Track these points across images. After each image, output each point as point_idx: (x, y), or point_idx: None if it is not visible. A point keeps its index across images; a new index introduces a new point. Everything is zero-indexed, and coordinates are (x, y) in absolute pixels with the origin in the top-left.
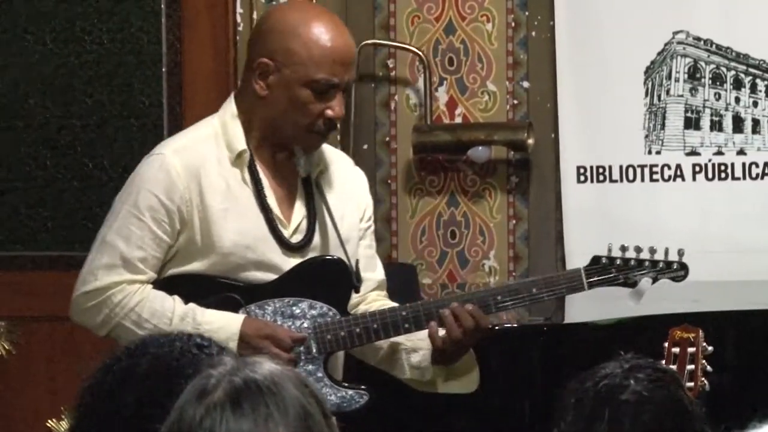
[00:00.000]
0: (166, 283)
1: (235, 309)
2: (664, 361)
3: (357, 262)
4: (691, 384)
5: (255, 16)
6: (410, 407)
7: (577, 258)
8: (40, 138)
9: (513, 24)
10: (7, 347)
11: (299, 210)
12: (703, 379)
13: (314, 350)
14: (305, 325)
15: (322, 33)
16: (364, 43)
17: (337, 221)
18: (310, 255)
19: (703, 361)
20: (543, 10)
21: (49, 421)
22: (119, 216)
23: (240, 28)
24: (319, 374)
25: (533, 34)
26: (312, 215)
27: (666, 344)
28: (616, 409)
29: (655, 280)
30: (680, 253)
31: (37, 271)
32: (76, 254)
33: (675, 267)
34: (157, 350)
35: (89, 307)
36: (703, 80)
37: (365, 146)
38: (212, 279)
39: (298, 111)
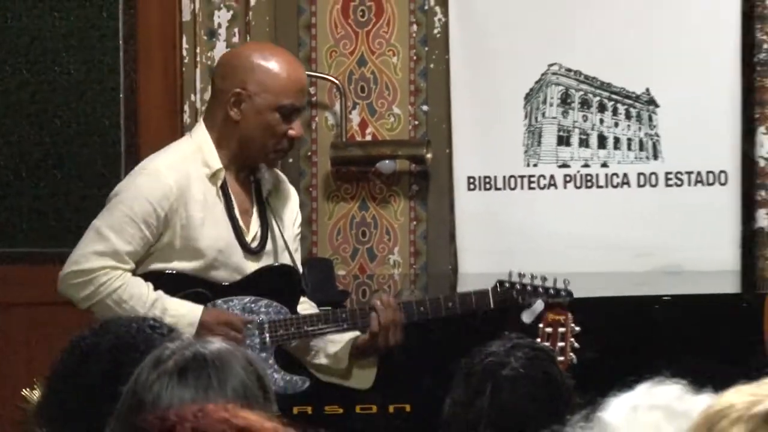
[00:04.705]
0: (149, 276)
1: (204, 302)
2: (539, 339)
3: (304, 273)
4: (562, 358)
5: (198, 50)
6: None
7: (468, 255)
8: (17, 153)
9: (415, 57)
10: None
11: (255, 221)
12: (572, 354)
13: (268, 341)
14: (261, 318)
15: (285, 67)
16: None
17: (284, 231)
18: (264, 258)
19: (572, 339)
20: (440, 45)
21: (24, 390)
22: (115, 213)
23: (186, 61)
24: (270, 361)
25: (432, 66)
26: (265, 226)
27: (541, 325)
28: (497, 382)
29: (547, 302)
30: (566, 282)
31: (14, 265)
32: (48, 250)
33: (563, 294)
34: (117, 329)
35: (77, 282)
36: (573, 104)
37: (290, 160)
38: (187, 276)
39: (267, 132)
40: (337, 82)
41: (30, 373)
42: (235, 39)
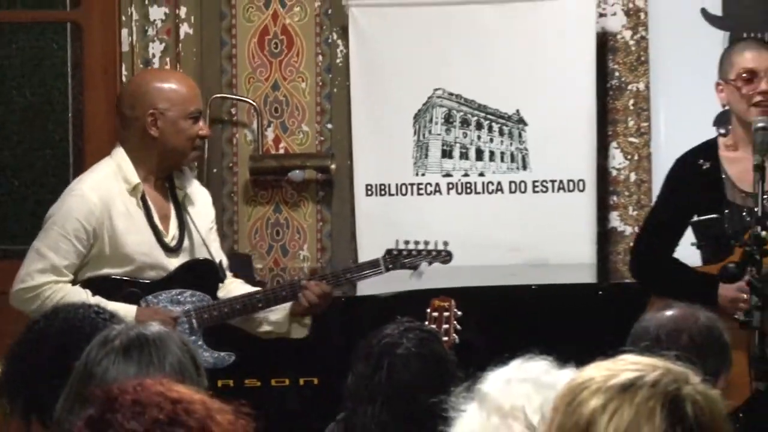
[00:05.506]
0: (86, 284)
1: (137, 299)
2: (427, 323)
3: (221, 262)
4: (447, 339)
5: None
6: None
7: (366, 251)
8: None
9: (321, 83)
10: None
11: (173, 223)
12: (454, 335)
13: (195, 326)
14: (188, 307)
15: (181, 81)
16: (214, 96)
17: (199, 228)
18: (182, 254)
19: (455, 322)
20: (342, 73)
21: None
22: (50, 234)
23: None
24: (200, 343)
25: (335, 90)
26: (182, 226)
27: (429, 310)
28: (393, 360)
29: (430, 263)
30: (445, 243)
31: None
32: (8, 247)
33: (443, 254)
34: (65, 315)
35: (27, 298)
36: (455, 123)
37: (215, 170)
38: (119, 279)
39: (184, 137)
40: (254, 104)
41: None
42: (167, 67)
